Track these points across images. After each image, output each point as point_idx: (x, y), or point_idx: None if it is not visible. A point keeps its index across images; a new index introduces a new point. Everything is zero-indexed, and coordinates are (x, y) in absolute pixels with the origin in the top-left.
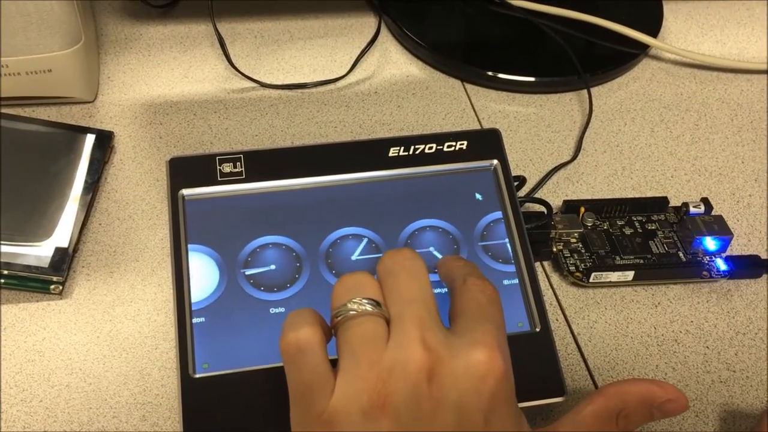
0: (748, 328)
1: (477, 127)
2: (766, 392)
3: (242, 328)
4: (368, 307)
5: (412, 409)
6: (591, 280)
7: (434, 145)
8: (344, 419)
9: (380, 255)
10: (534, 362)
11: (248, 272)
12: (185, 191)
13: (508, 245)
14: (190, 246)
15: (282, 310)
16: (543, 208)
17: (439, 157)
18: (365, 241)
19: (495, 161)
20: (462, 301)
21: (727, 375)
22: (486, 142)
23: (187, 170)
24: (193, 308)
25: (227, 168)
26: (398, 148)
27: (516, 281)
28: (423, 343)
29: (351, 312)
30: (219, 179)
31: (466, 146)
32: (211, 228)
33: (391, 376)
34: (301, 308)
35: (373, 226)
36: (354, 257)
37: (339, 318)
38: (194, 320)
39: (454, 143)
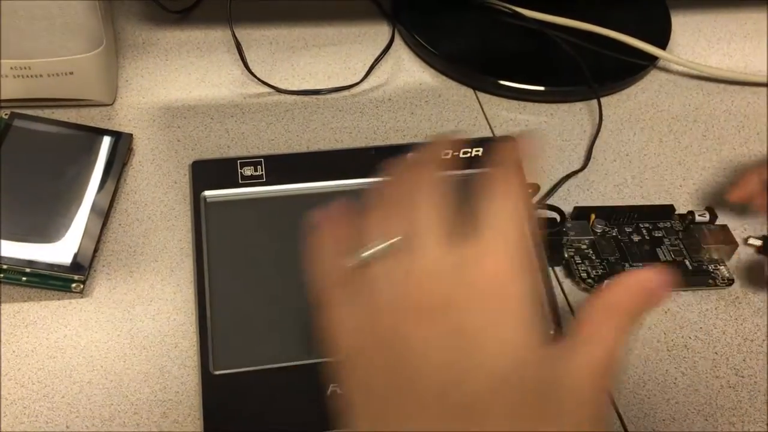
0: (756, 335)
1: (489, 134)
2: None
3: (261, 327)
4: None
5: None
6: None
7: (450, 152)
8: None
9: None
10: None
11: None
12: (207, 193)
13: None
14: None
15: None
16: (556, 215)
17: (454, 163)
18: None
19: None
20: None
21: (735, 380)
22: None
23: (209, 173)
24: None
25: (248, 171)
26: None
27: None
28: None
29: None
30: (240, 182)
31: (482, 153)
32: (231, 229)
33: None
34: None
35: None
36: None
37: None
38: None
39: (469, 150)
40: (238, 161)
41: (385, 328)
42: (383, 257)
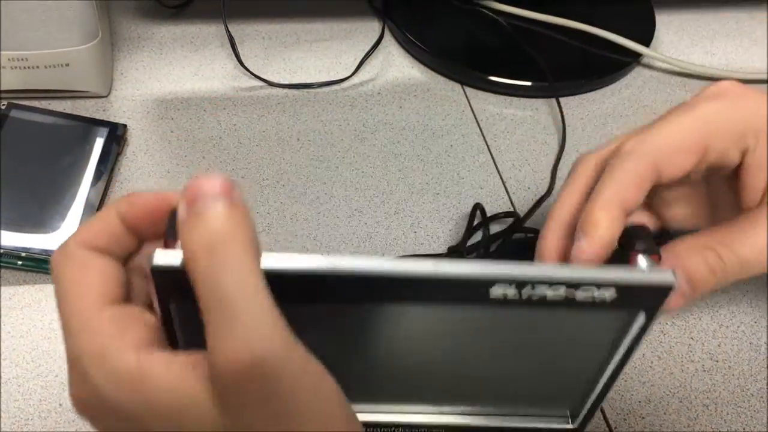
0: (731, 321)
1: (476, 128)
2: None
3: None
4: None
5: None
6: None
7: (563, 288)
8: None
9: None
10: None
11: None
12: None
13: None
14: None
15: None
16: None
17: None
18: None
19: (642, 315)
20: None
21: (710, 365)
22: (644, 295)
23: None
24: None
25: None
26: (504, 287)
27: None
28: None
29: None
30: None
31: (616, 297)
32: None
33: None
34: None
35: None
36: None
37: None
38: None
39: (596, 289)
40: None
41: None
42: None
